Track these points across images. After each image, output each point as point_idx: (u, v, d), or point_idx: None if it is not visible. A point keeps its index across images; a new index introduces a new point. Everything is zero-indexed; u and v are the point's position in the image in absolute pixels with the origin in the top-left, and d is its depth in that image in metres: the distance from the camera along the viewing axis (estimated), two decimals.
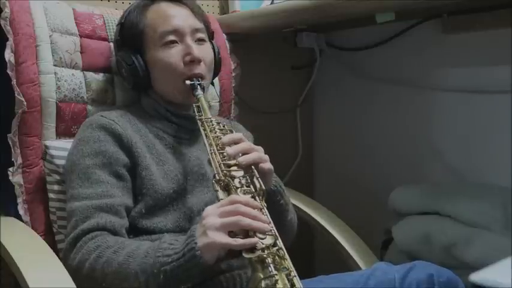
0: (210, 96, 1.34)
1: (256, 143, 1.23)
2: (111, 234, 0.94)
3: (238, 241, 0.79)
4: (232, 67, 1.47)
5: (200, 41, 1.12)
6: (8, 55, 1.11)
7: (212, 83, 1.22)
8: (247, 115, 1.52)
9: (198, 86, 1.07)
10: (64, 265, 0.91)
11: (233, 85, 1.47)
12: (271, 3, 1.54)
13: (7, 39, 1.12)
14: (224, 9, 1.68)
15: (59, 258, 0.96)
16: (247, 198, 0.87)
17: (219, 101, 1.42)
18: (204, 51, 1.12)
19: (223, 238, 0.80)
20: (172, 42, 1.09)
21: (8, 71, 1.11)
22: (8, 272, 0.95)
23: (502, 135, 1.42)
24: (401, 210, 1.39)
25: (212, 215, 0.83)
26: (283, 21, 1.52)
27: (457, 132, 1.56)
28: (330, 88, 1.90)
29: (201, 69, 1.10)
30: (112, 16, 1.28)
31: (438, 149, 1.61)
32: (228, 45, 1.47)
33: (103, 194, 0.98)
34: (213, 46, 1.19)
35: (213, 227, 0.81)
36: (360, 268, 1.17)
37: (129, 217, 1.01)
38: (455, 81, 1.53)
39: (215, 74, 1.22)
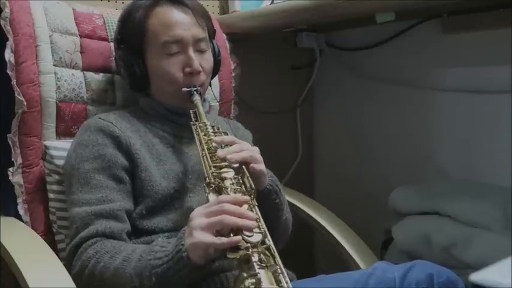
0: (210, 97, 1.34)
1: (256, 143, 1.23)
2: (111, 240, 0.95)
3: (222, 239, 0.79)
4: (232, 67, 1.47)
5: (202, 49, 1.12)
6: (8, 55, 1.11)
7: (210, 84, 1.22)
8: (247, 115, 1.52)
9: (195, 91, 1.08)
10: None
11: (233, 85, 1.47)
12: (271, 3, 1.54)
13: (7, 39, 1.12)
14: (224, 9, 1.68)
15: (59, 258, 0.96)
16: (235, 195, 0.86)
17: (219, 101, 1.42)
18: (204, 60, 1.12)
19: (208, 238, 0.80)
20: (174, 51, 1.09)
21: (8, 71, 1.11)
22: (8, 272, 0.95)
23: (502, 135, 1.42)
24: (402, 210, 1.39)
25: (199, 216, 0.83)
26: (283, 21, 1.52)
27: (457, 132, 1.56)
28: (330, 88, 1.90)
29: (200, 79, 1.10)
30: (112, 16, 1.28)
31: (438, 149, 1.61)
32: (228, 45, 1.47)
33: (102, 199, 0.98)
34: (213, 46, 1.19)
35: (198, 227, 0.81)
36: (360, 268, 1.16)
37: (130, 219, 1.01)
38: (455, 81, 1.53)
39: (214, 74, 1.22)
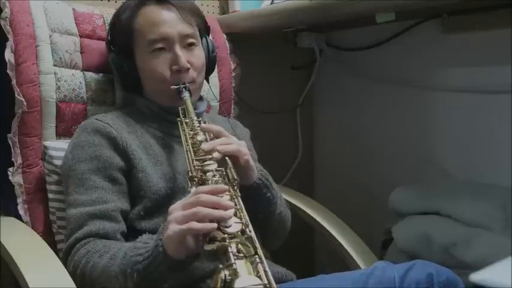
0: (210, 96, 1.34)
1: (256, 143, 1.23)
2: (103, 239, 0.95)
3: (194, 224, 0.78)
4: (232, 67, 1.47)
5: (190, 45, 1.11)
6: (8, 55, 1.11)
7: (207, 80, 1.22)
8: (247, 115, 1.52)
9: (184, 88, 1.07)
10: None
11: (233, 85, 1.47)
12: (271, 3, 1.54)
13: (7, 39, 1.12)
14: (224, 9, 1.68)
15: (59, 258, 0.96)
16: (213, 185, 0.85)
17: (219, 101, 1.42)
18: (193, 57, 1.11)
19: (181, 227, 0.79)
20: (161, 49, 1.09)
21: (8, 71, 1.11)
22: (8, 272, 0.95)
23: (502, 135, 1.42)
24: (401, 210, 1.39)
25: (176, 209, 0.82)
26: (283, 21, 1.52)
27: (457, 132, 1.55)
28: (330, 88, 1.90)
29: (189, 76, 1.09)
30: None
31: (438, 149, 1.61)
32: (228, 45, 1.47)
33: (97, 200, 0.98)
34: (207, 43, 1.18)
35: (174, 220, 0.80)
36: (359, 268, 1.16)
37: (127, 220, 1.01)
38: (455, 81, 1.53)
39: (210, 71, 1.21)
